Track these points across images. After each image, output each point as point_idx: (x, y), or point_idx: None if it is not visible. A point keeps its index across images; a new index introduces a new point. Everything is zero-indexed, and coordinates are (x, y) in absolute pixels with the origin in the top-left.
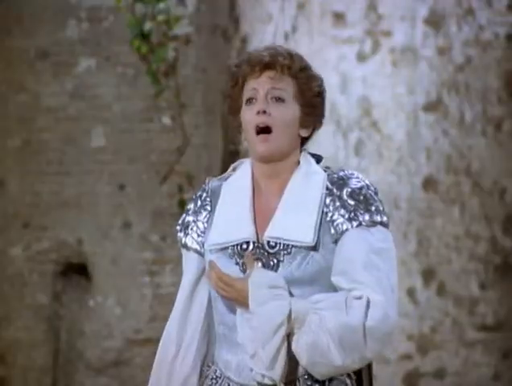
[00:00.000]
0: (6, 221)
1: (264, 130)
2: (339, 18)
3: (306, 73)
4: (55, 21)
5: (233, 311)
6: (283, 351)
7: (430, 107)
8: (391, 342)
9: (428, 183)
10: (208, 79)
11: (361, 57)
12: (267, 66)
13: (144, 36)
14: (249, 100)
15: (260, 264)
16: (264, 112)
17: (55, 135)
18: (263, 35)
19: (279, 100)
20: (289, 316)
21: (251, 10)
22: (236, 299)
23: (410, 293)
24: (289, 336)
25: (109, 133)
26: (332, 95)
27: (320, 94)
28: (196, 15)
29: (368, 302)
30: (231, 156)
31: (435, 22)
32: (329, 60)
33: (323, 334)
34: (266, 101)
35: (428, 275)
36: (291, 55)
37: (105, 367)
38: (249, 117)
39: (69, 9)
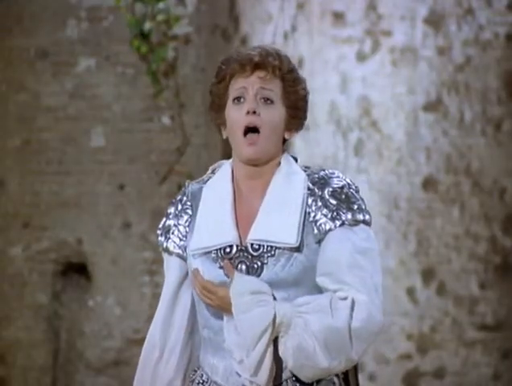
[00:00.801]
0: (6, 221)
1: (252, 130)
2: (339, 17)
3: (293, 75)
4: (55, 20)
5: (218, 315)
6: (268, 357)
7: (430, 107)
8: (390, 342)
9: (428, 183)
10: (208, 79)
11: (361, 57)
12: (258, 65)
13: (144, 36)
14: (237, 99)
15: (244, 267)
16: (254, 112)
17: (55, 135)
18: (263, 35)
19: (268, 101)
20: (273, 321)
21: (251, 10)
22: (219, 306)
23: (410, 292)
24: (275, 340)
25: (108, 132)
26: (332, 95)
27: (305, 97)
28: (196, 15)
29: (353, 303)
30: (231, 156)
31: (434, 21)
32: (329, 60)
33: (308, 337)
34: (255, 101)
35: (428, 275)
36: (280, 56)
37: (105, 366)
38: (238, 116)
39: (69, 8)
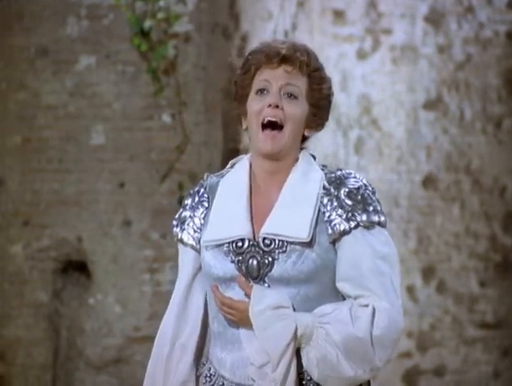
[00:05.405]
0: (6, 219)
1: (272, 125)
2: (339, 15)
3: (319, 73)
4: (56, 19)
5: None
6: (293, 370)
7: (430, 105)
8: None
9: (428, 181)
10: (209, 76)
11: (362, 55)
12: (285, 59)
13: (144, 34)
14: (261, 91)
15: (255, 262)
16: (277, 106)
17: (55, 133)
18: (263, 33)
19: (292, 96)
20: (295, 333)
21: (251, 8)
22: (241, 320)
23: (410, 290)
24: (297, 351)
25: (109, 131)
26: None
27: (328, 96)
28: (196, 13)
29: (373, 310)
30: (231, 154)
31: (435, 20)
32: (329, 58)
33: (330, 347)
34: (279, 95)
35: (428, 273)
36: (308, 53)
37: (105, 364)
38: (259, 107)
39: (69, 6)
